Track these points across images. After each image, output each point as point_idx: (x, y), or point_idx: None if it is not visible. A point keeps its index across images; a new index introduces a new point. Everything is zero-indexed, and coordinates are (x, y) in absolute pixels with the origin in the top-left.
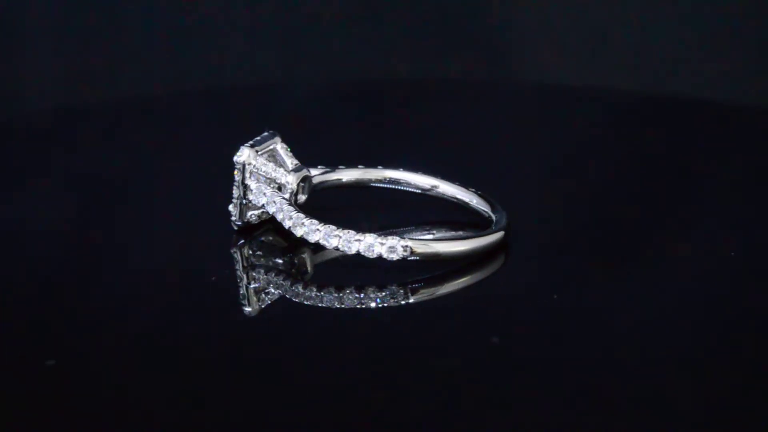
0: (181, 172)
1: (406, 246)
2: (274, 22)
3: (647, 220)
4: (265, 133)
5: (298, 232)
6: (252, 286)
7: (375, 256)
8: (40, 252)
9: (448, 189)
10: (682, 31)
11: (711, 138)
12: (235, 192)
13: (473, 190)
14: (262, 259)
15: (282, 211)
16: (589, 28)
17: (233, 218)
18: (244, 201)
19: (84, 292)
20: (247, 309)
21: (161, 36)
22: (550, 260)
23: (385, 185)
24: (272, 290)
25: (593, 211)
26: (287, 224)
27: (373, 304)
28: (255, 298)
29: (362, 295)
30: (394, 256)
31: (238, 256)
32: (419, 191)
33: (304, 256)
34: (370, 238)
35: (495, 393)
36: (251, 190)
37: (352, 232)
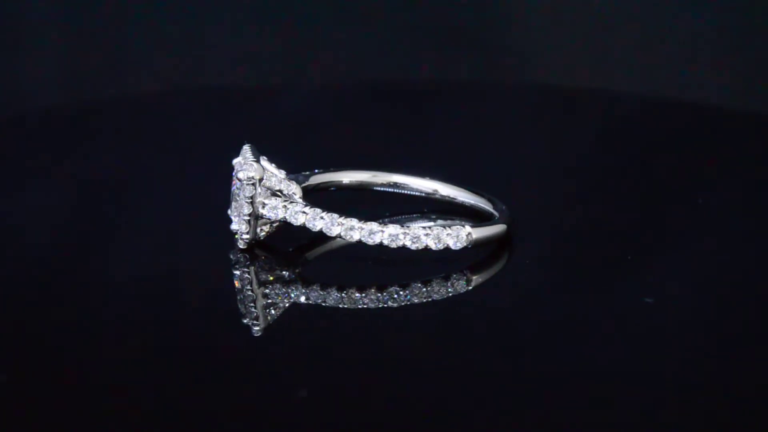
0: (180, 174)
1: (469, 233)
2: (275, 23)
3: (649, 222)
4: (247, 146)
5: (354, 236)
6: (265, 302)
7: (443, 247)
8: (37, 252)
9: (449, 191)
10: (687, 34)
11: (713, 142)
12: (246, 209)
13: (475, 190)
14: (268, 274)
15: (321, 218)
16: (592, 30)
17: (245, 236)
18: (256, 217)
19: (80, 293)
20: (256, 328)
21: (161, 36)
22: (553, 262)
23: (388, 189)
24: (281, 303)
25: (596, 213)
26: (335, 231)
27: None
28: (265, 316)
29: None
30: (459, 245)
31: (245, 274)
32: (423, 194)
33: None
34: (436, 230)
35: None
36: (266, 205)
37: (415, 226)
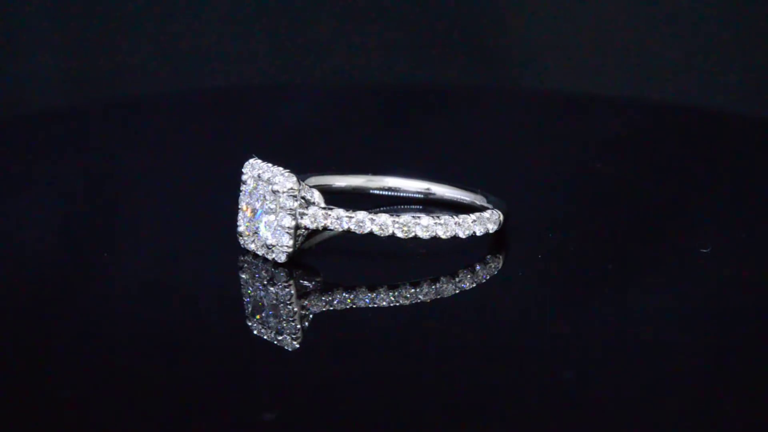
0: (182, 177)
1: (500, 215)
2: (271, 26)
3: (649, 227)
4: (255, 157)
5: (411, 232)
6: (303, 313)
7: (484, 232)
8: (34, 256)
9: (443, 190)
10: (688, 38)
11: (715, 146)
12: (288, 221)
13: (467, 187)
14: (294, 288)
15: (371, 220)
16: (593, 35)
17: (289, 250)
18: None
19: (82, 300)
20: (296, 342)
21: (162, 36)
22: (552, 267)
23: (384, 192)
24: (312, 313)
25: (596, 217)
26: (389, 231)
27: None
28: (303, 329)
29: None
30: (496, 228)
31: (287, 288)
32: (418, 195)
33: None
34: (476, 215)
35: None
36: (305, 215)
37: (472, 215)
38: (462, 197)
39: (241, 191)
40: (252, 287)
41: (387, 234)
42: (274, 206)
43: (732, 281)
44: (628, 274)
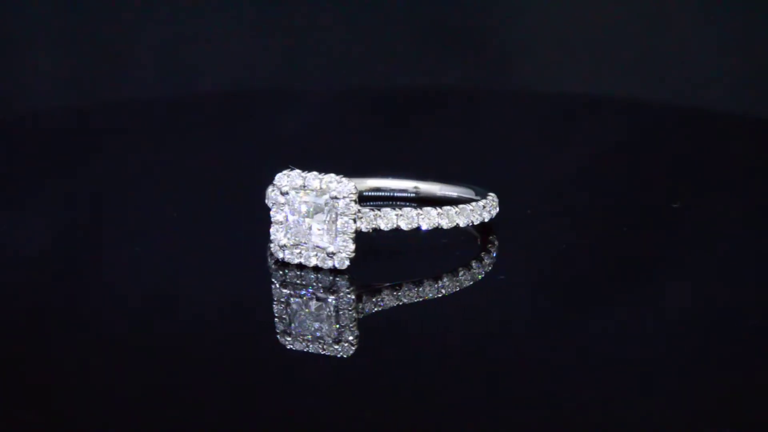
0: (182, 179)
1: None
2: (273, 28)
3: (650, 230)
4: (292, 168)
5: (453, 222)
6: (360, 317)
7: (493, 216)
8: (37, 258)
9: (430, 187)
10: (690, 39)
11: (712, 146)
12: (351, 226)
13: (453, 181)
14: (353, 293)
15: (418, 215)
16: (593, 36)
17: (352, 255)
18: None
19: (86, 303)
20: (352, 349)
21: (164, 37)
22: (549, 271)
23: (372, 194)
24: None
25: (596, 220)
26: (437, 222)
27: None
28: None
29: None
30: (497, 210)
31: (349, 295)
32: (407, 194)
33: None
34: (489, 198)
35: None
36: (360, 218)
37: (489, 198)
38: (449, 191)
39: (275, 203)
40: (302, 299)
41: (432, 226)
42: (331, 213)
43: (732, 281)
44: (627, 273)
